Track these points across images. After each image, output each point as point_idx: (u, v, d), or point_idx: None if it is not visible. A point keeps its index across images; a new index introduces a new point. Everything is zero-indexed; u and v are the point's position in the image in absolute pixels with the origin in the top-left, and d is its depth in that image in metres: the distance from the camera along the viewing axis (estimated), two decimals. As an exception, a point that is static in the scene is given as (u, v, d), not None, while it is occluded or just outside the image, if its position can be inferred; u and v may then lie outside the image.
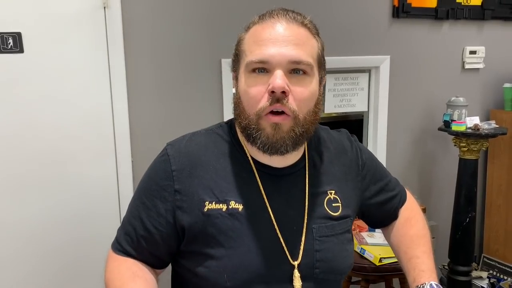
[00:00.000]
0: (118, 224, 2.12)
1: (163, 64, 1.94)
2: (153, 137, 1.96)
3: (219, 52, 2.00)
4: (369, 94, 2.43)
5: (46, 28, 1.72)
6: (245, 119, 0.84)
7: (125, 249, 0.90)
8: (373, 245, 2.03)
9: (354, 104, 2.41)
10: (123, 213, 1.91)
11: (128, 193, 1.94)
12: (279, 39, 0.81)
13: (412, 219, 1.06)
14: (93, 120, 1.85)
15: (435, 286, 0.90)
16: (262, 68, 0.81)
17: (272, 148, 0.83)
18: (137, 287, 0.82)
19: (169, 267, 0.98)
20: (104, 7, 1.79)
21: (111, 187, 1.92)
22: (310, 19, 0.87)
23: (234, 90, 0.90)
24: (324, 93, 2.34)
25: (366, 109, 2.45)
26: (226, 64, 2.01)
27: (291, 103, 0.81)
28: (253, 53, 0.82)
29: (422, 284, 0.91)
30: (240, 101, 0.85)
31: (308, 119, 0.84)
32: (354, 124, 2.61)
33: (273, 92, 0.79)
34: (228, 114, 2.06)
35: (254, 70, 0.82)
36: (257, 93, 0.81)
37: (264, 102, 0.81)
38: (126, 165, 1.93)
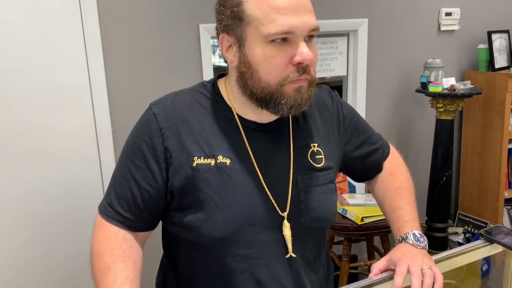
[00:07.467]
0: (101, 196, 2.12)
1: (140, 30, 1.89)
2: (132, 106, 1.92)
3: (197, 18, 1.97)
4: (348, 58, 2.44)
5: (16, -5, 1.65)
6: (264, 88, 0.82)
7: (120, 214, 0.89)
8: (354, 205, 2.08)
9: (334, 69, 2.42)
10: (106, 185, 1.93)
11: (110, 165, 1.92)
12: (298, 7, 0.79)
13: (395, 172, 1.09)
14: (70, 91, 1.81)
15: (417, 234, 0.93)
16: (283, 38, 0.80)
17: (296, 110, 0.84)
18: (126, 272, 0.83)
19: (159, 230, 0.99)
20: (76, -28, 1.72)
21: (92, 159, 1.90)
22: None
23: (232, 55, 0.86)
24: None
25: (345, 73, 2.46)
26: (204, 30, 1.98)
27: (311, 68, 0.83)
28: (274, 23, 0.78)
29: (406, 234, 0.94)
30: (254, 70, 0.82)
31: (315, 79, 0.86)
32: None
33: (300, 63, 0.80)
34: (208, 81, 2.04)
35: (274, 40, 0.80)
36: (281, 63, 0.80)
37: (289, 71, 0.81)
38: (107, 136, 1.91)
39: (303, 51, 0.79)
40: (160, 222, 0.96)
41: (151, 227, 0.94)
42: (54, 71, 1.76)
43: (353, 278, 2.28)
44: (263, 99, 0.84)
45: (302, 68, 0.81)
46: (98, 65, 1.83)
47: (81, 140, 1.86)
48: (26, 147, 1.76)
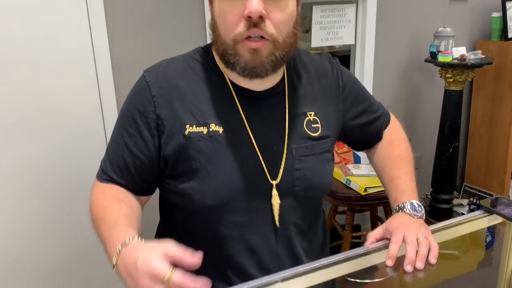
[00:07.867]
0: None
1: (143, -4, 1.86)
2: (136, 74, 1.91)
3: (200, -17, 1.92)
4: (356, 26, 2.38)
5: (16, -42, 1.62)
6: (222, 44, 0.82)
7: (113, 179, 0.90)
8: (358, 176, 2.08)
9: (341, 37, 2.36)
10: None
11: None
12: None
13: (395, 141, 1.07)
14: (73, 57, 1.79)
15: (415, 204, 0.92)
16: None
17: (251, 73, 0.82)
18: (121, 210, 0.84)
19: (157, 195, 1.00)
20: None
21: (96, 126, 1.91)
22: None
23: (209, 15, 0.87)
24: (310, 26, 2.30)
25: (353, 42, 2.41)
26: (209, -5, 1.94)
27: (269, 27, 0.78)
28: None
29: (403, 203, 0.93)
30: (216, 26, 0.83)
31: (288, 42, 0.82)
32: (341, 60, 2.58)
33: (249, 17, 0.77)
34: (212, 49, 2.01)
35: None
36: (233, 19, 0.78)
37: (241, 27, 0.78)
38: (111, 103, 1.90)
39: (251, 4, 0.75)
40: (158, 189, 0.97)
41: (146, 192, 0.94)
42: (56, 36, 1.74)
43: (355, 247, 2.30)
44: (224, 58, 0.83)
45: (252, 23, 0.77)
46: (101, 33, 1.80)
47: (85, 106, 1.86)
48: (29, 111, 1.76)
